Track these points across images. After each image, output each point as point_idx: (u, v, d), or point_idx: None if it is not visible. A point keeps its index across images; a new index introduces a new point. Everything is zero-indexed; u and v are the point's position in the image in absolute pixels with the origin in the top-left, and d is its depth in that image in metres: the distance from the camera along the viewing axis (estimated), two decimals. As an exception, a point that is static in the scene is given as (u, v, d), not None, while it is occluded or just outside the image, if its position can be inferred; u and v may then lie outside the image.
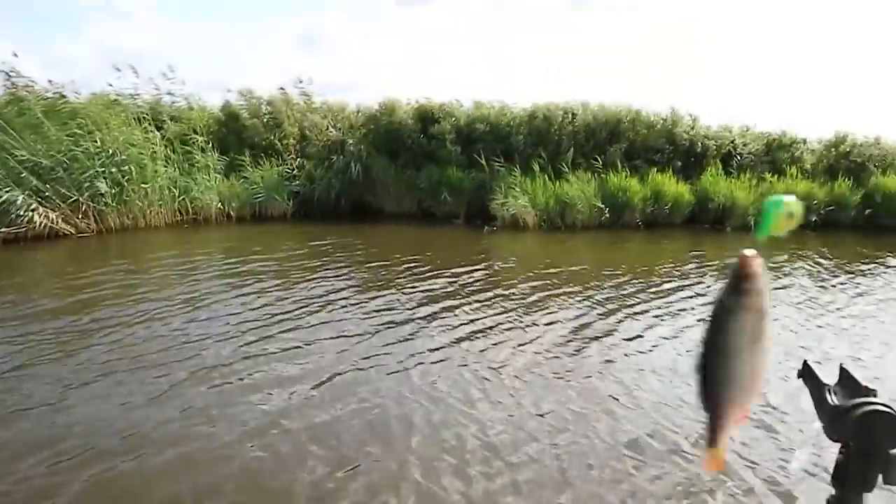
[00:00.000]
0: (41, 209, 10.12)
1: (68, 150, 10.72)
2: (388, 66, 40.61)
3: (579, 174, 13.07)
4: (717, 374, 1.00)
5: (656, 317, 6.44)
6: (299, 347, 5.29)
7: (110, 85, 13.18)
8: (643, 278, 8.27)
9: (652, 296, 7.28)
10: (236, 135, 13.86)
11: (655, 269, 8.89)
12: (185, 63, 44.09)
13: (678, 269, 8.93)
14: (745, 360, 0.97)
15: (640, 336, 5.77)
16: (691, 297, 7.29)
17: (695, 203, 13.27)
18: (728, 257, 9.79)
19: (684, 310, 6.70)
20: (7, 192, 9.71)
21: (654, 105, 14.63)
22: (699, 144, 14.00)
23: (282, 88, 14.74)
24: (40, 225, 10.08)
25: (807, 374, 1.68)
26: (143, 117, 12.41)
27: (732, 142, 14.11)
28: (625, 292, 7.44)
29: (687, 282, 8.08)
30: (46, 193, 10.33)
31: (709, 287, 7.76)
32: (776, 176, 13.69)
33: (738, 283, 0.93)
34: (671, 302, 7.04)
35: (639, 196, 12.87)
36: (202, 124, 13.39)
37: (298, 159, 13.78)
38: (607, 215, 12.62)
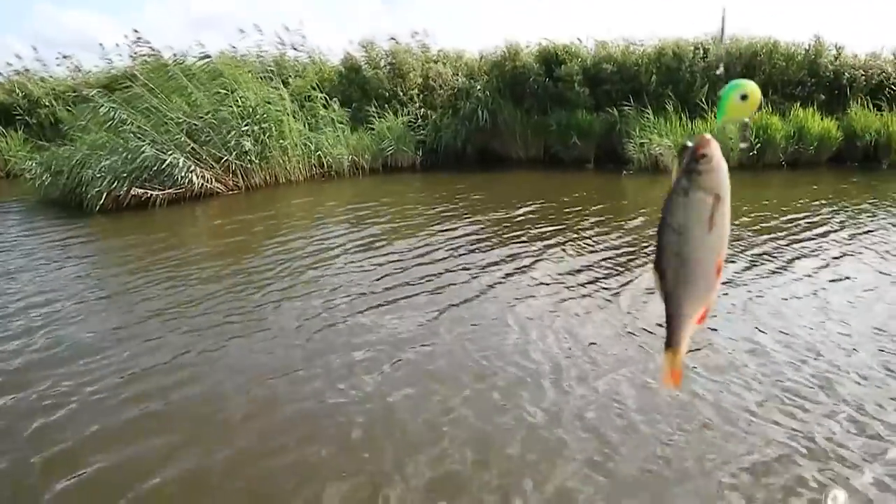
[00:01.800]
0: (198, 170, 10.44)
1: (215, 111, 10.94)
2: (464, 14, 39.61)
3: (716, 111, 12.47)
4: (672, 259, 0.93)
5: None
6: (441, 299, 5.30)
7: (233, 47, 13.39)
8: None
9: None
10: (359, 87, 13.86)
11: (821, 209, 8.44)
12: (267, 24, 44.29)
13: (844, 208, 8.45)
14: (700, 245, 0.91)
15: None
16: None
17: (841, 139, 12.48)
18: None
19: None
20: (171, 155, 10.03)
21: (793, 34, 13.70)
22: (845, 76, 13.07)
23: (393, 38, 14.58)
24: (198, 185, 10.41)
25: None
26: (271, 75, 12.54)
27: (884, 71, 13.08)
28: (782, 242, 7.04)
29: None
30: (203, 156, 10.63)
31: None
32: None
33: (692, 164, 0.88)
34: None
35: (781, 133, 12.22)
36: (325, 78, 13.44)
37: (422, 109, 13.67)
38: (753, 153, 12.04)
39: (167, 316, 5.16)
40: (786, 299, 5.06)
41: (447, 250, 6.92)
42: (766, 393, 3.52)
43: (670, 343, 1.04)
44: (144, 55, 12.43)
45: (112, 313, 5.33)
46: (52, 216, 9.73)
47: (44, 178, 10.58)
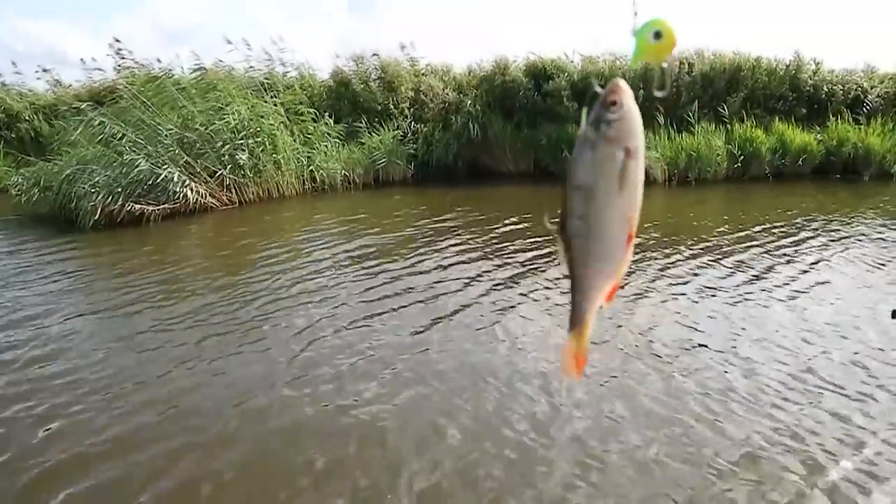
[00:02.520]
0: (193, 185, 10.29)
1: (210, 124, 10.82)
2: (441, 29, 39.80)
3: (703, 125, 12.76)
4: (576, 223, 0.84)
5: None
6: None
7: (221, 61, 13.25)
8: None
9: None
10: (349, 101, 13.83)
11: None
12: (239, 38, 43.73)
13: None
14: (608, 208, 0.82)
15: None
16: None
17: (823, 152, 12.82)
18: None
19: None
20: (165, 169, 9.88)
21: (772, 50, 14.07)
22: (823, 90, 13.48)
23: (375, 54, 14.58)
24: (193, 200, 10.26)
25: None
26: (265, 87, 12.46)
27: (860, 86, 13.50)
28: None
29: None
30: (197, 169, 10.50)
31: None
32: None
33: (601, 113, 0.81)
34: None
35: (766, 146, 12.54)
36: (315, 94, 13.40)
37: (412, 123, 13.68)
38: (738, 166, 12.33)
39: (162, 330, 5.20)
40: (766, 306, 5.33)
41: (437, 264, 7.00)
42: (748, 397, 3.70)
43: (574, 323, 0.93)
44: (129, 67, 12.31)
45: (110, 329, 5.35)
46: (43, 232, 9.48)
47: (31, 193, 10.34)
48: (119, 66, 12.51)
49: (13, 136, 14.71)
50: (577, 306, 0.91)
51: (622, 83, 0.82)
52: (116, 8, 46.84)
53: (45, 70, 15.64)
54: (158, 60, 12.59)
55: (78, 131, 10.46)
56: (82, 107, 10.46)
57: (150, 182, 9.77)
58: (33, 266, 7.59)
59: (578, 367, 0.92)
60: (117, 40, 12.23)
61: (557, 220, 0.85)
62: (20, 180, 10.65)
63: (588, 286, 0.87)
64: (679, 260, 6.88)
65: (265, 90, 12.31)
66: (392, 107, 13.68)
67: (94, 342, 4.96)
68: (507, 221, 9.14)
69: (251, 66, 13.49)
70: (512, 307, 5.46)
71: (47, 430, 3.60)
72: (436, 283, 6.27)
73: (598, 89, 0.83)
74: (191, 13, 45.05)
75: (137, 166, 9.63)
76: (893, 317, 1.62)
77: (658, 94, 0.89)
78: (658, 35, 0.83)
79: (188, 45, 47.02)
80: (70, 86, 15.71)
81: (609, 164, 0.80)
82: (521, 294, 5.82)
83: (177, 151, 10.29)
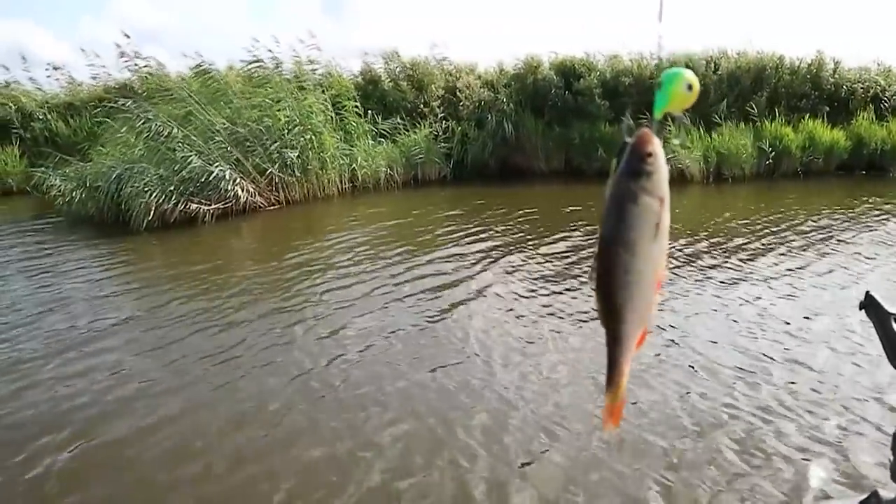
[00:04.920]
0: (243, 183, 10.09)
1: (261, 120, 10.64)
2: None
3: (731, 124, 12.97)
4: (619, 275, 0.83)
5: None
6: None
7: (255, 58, 12.96)
8: None
9: None
10: (377, 99, 13.68)
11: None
12: (212, 36, 43.00)
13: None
14: (646, 258, 0.83)
15: None
16: None
17: (850, 149, 13.15)
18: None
19: None
20: (217, 167, 9.66)
21: (795, 49, 14.39)
22: (844, 88, 13.82)
23: (396, 52, 14.49)
24: (243, 199, 10.06)
25: (870, 304, 1.71)
26: (305, 86, 12.25)
27: (878, 84, 13.89)
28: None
29: None
30: (248, 167, 10.30)
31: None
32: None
33: (638, 165, 0.80)
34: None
35: (795, 144, 12.80)
36: (342, 93, 13.25)
37: (445, 122, 13.60)
38: (770, 163, 12.58)
39: (220, 314, 5.59)
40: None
41: (473, 258, 7.23)
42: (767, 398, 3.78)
43: (613, 375, 0.91)
44: (146, 66, 11.99)
45: (172, 315, 5.64)
46: (94, 234, 9.22)
47: (74, 194, 9.98)
48: (136, 66, 12.07)
49: (28, 136, 14.24)
50: (615, 361, 0.90)
51: (652, 133, 0.81)
52: (84, 9, 45.63)
53: (55, 68, 15.15)
54: (191, 55, 12.28)
55: (123, 129, 10.16)
56: (128, 103, 10.11)
57: (203, 180, 9.55)
58: (86, 262, 7.73)
59: (617, 418, 0.93)
60: (126, 35, 11.74)
61: (594, 276, 0.85)
62: (58, 181, 10.29)
63: (627, 339, 0.87)
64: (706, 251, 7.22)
65: (304, 88, 12.11)
66: (422, 105, 13.59)
67: (161, 326, 5.35)
68: (539, 220, 9.40)
69: (280, 63, 13.21)
70: (536, 294, 5.90)
71: (118, 400, 3.99)
72: (469, 272, 6.69)
73: (628, 139, 0.82)
74: (158, 13, 43.77)
75: (189, 163, 9.40)
76: (861, 308, 1.65)
77: (675, 142, 0.90)
78: (690, 87, 0.84)
79: (159, 44, 45.91)
80: (81, 83, 15.30)
81: (648, 216, 0.81)
82: (545, 284, 6.21)
83: (227, 148, 10.08)
